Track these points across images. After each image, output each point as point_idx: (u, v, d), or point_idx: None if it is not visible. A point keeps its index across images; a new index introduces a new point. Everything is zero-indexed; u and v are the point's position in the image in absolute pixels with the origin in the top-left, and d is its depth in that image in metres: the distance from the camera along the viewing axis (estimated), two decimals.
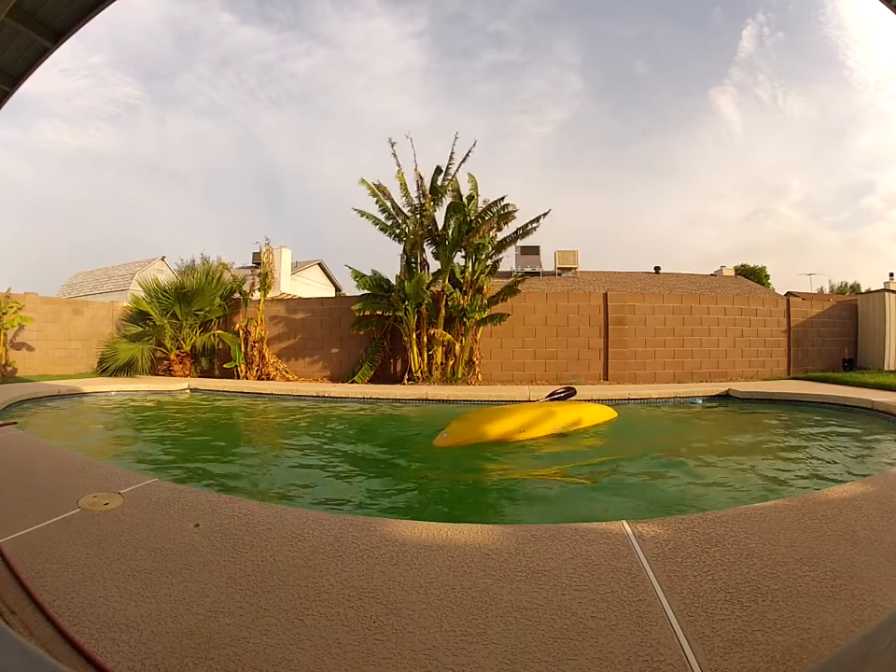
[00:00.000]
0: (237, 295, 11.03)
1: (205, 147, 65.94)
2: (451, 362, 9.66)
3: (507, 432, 4.68)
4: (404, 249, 9.95)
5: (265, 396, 8.18)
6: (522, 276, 10.27)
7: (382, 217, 9.89)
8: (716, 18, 49.80)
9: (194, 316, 10.76)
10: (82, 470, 2.88)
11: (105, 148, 57.78)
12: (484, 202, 9.76)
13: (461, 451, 4.38)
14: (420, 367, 9.61)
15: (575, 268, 20.59)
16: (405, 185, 9.70)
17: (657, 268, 22.34)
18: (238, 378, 10.36)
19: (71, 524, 2.05)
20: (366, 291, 10.20)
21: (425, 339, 9.66)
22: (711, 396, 7.78)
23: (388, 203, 9.84)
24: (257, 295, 10.80)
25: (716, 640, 1.26)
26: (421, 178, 9.80)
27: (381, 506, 3.22)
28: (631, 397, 7.55)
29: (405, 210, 9.84)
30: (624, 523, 2.03)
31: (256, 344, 10.45)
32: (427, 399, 7.52)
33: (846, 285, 37.67)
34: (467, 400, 7.34)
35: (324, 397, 7.91)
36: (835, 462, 4.06)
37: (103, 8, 3.06)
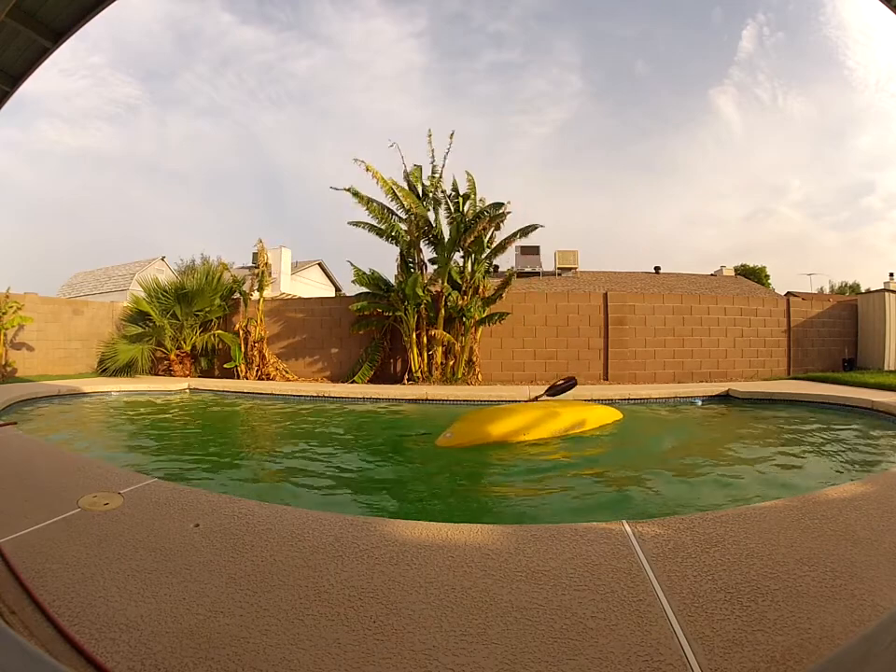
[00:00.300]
0: (237, 295, 11.03)
1: (205, 147, 66.01)
2: (451, 362, 9.66)
3: (511, 432, 4.63)
4: (400, 251, 9.94)
5: (265, 396, 8.18)
6: (511, 276, 10.14)
7: (375, 221, 9.76)
8: (716, 18, 49.83)
9: (194, 316, 10.76)
10: (82, 470, 2.88)
11: (105, 148, 57.83)
12: (481, 201, 9.74)
13: (463, 451, 4.38)
14: (420, 367, 9.61)
15: (575, 268, 20.59)
16: (392, 189, 9.55)
17: (657, 268, 22.34)
18: (238, 378, 10.36)
19: (71, 524, 2.05)
20: (366, 290, 10.20)
21: (425, 339, 9.66)
22: (711, 396, 7.77)
23: (378, 206, 9.72)
24: (256, 295, 10.80)
25: (716, 640, 1.26)
26: (412, 181, 9.78)
27: (381, 506, 3.22)
28: (631, 397, 7.54)
29: (399, 212, 9.81)
30: (624, 523, 2.03)
31: (256, 344, 10.45)
32: (427, 399, 7.52)
33: (846, 285, 37.70)
34: (467, 400, 7.34)
35: (324, 397, 7.90)
36: (835, 462, 4.06)
37: (103, 8, 3.07)
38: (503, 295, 9.79)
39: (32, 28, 3.05)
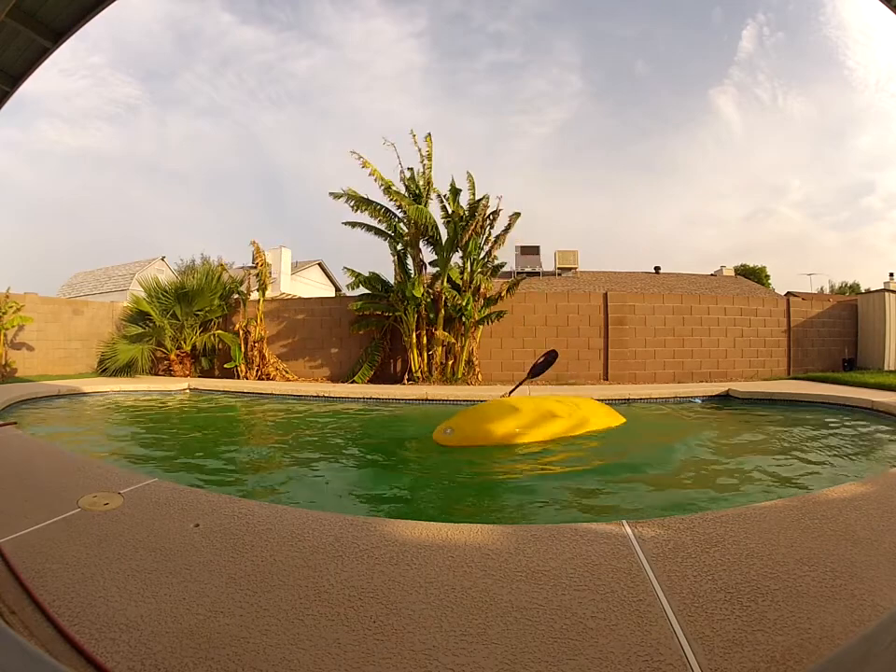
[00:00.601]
0: (236, 295, 11.03)
1: (205, 147, 66.09)
2: (451, 362, 9.66)
3: (513, 432, 4.51)
4: (397, 251, 9.93)
5: (265, 396, 8.18)
6: (520, 280, 10.18)
7: (374, 221, 9.77)
8: (716, 18, 49.86)
9: (194, 316, 10.77)
10: (82, 470, 2.88)
11: (105, 148, 57.89)
12: (471, 200, 9.72)
13: (462, 451, 4.37)
14: (420, 367, 9.61)
15: (575, 268, 20.60)
16: (389, 186, 9.54)
17: (657, 268, 22.35)
18: (238, 378, 10.36)
19: (71, 524, 2.05)
20: (365, 291, 10.20)
21: (424, 339, 9.66)
22: (711, 396, 7.77)
23: (376, 206, 9.72)
24: (256, 295, 10.81)
25: (716, 640, 1.26)
26: (408, 182, 9.79)
27: (381, 506, 3.22)
28: (631, 397, 7.54)
29: (397, 212, 9.82)
30: (624, 523, 2.03)
31: (256, 344, 10.46)
32: (427, 399, 7.52)
33: (846, 285, 37.70)
34: (467, 400, 7.34)
35: (324, 397, 7.90)
36: (835, 462, 4.06)
37: (103, 8, 3.07)
38: (503, 296, 9.79)
39: (32, 28, 3.05)
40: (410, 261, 10.03)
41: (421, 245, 9.89)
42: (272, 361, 10.51)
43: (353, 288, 10.23)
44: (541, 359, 5.46)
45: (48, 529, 1.99)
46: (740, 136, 57.22)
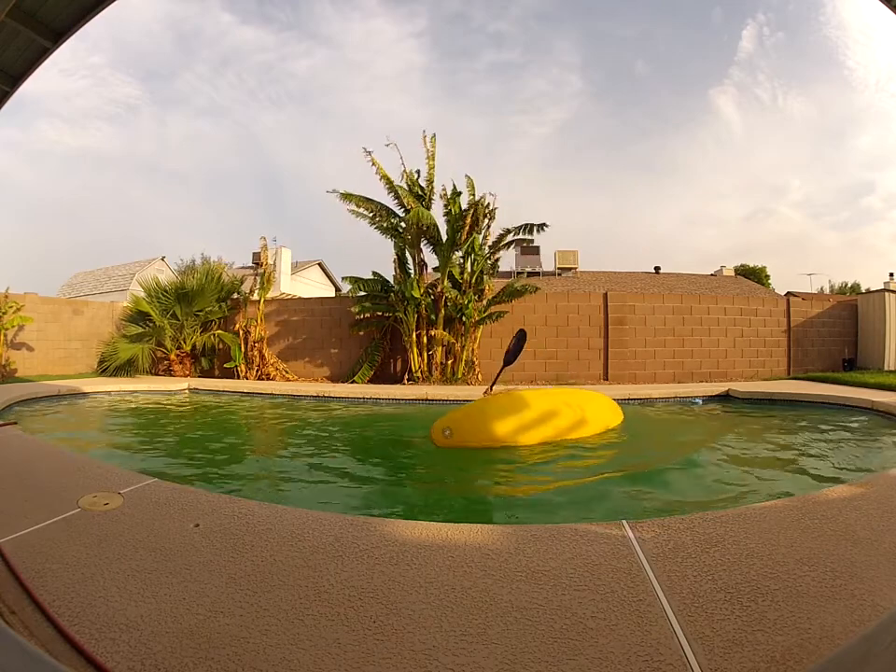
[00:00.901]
0: (237, 295, 11.04)
1: (205, 147, 66.12)
2: (451, 362, 9.66)
3: (515, 432, 4.37)
4: (397, 251, 9.94)
5: (265, 396, 8.18)
6: (526, 288, 10.12)
7: (377, 219, 9.84)
8: (716, 18, 49.88)
9: (194, 316, 10.76)
10: (82, 470, 2.88)
11: (105, 148, 57.92)
12: (470, 200, 9.73)
13: (461, 451, 4.36)
14: (420, 367, 9.61)
15: (575, 268, 20.61)
16: (393, 186, 9.60)
17: (657, 268, 22.36)
18: (238, 378, 10.37)
19: (71, 524, 2.05)
20: (365, 293, 10.20)
21: (424, 339, 9.66)
22: (711, 396, 7.77)
23: (377, 205, 9.76)
24: (256, 295, 10.82)
25: (716, 640, 1.26)
26: (409, 181, 9.81)
27: (381, 505, 3.22)
28: (631, 397, 7.54)
29: (398, 211, 9.83)
30: (624, 523, 2.03)
31: (256, 344, 10.46)
32: (426, 399, 7.52)
33: (846, 285, 37.70)
34: (467, 400, 7.32)
35: (324, 397, 7.90)
36: (835, 462, 4.06)
37: (103, 8, 3.07)
38: (511, 300, 9.80)
39: (32, 28, 3.05)
40: (410, 261, 10.04)
41: (422, 244, 9.91)
42: (272, 361, 10.51)
43: (354, 293, 10.25)
44: (512, 344, 5.16)
45: (48, 529, 1.99)
46: (740, 136, 57.28)
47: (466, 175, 9.90)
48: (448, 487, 3.75)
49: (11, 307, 9.47)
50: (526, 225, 9.57)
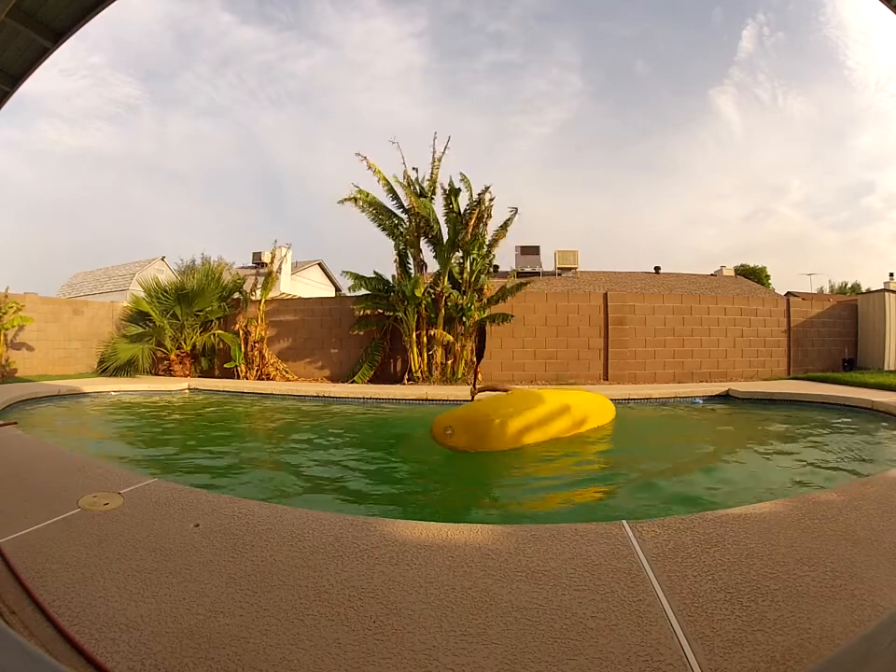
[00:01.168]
0: (237, 295, 11.04)
1: (205, 147, 66.14)
2: (451, 362, 9.66)
3: (517, 432, 4.26)
4: (398, 251, 9.95)
5: (265, 396, 8.18)
6: (526, 282, 10.19)
7: (380, 216, 9.87)
8: (716, 18, 49.90)
9: (194, 316, 10.77)
10: (82, 470, 2.88)
11: (105, 148, 57.93)
12: (470, 202, 9.73)
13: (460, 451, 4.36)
14: (420, 367, 9.61)
15: (575, 268, 20.60)
16: (392, 187, 9.62)
17: (657, 268, 22.36)
18: (238, 378, 10.37)
19: (71, 524, 2.05)
20: (366, 292, 10.20)
21: (425, 339, 9.66)
22: (711, 396, 7.77)
23: (379, 205, 9.77)
24: (257, 295, 10.82)
25: (716, 640, 1.26)
26: (410, 180, 9.81)
27: (380, 505, 3.22)
28: (631, 397, 7.54)
29: (398, 212, 9.83)
30: (624, 523, 2.03)
31: (256, 344, 10.46)
32: (427, 399, 7.52)
33: (846, 285, 37.69)
34: (467, 400, 7.33)
35: (324, 397, 7.90)
36: (835, 462, 4.06)
37: (103, 8, 3.07)
38: (507, 298, 9.79)
39: (32, 28, 3.05)
40: (411, 261, 10.05)
41: (422, 244, 9.91)
42: (272, 361, 10.51)
43: (355, 290, 10.25)
44: (477, 341, 5.16)
45: (48, 529, 1.99)
46: (740, 136, 57.29)
47: (461, 174, 9.91)
48: (448, 488, 3.75)
49: (11, 307, 9.47)
50: (510, 216, 9.69)
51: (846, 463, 4.04)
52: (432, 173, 9.82)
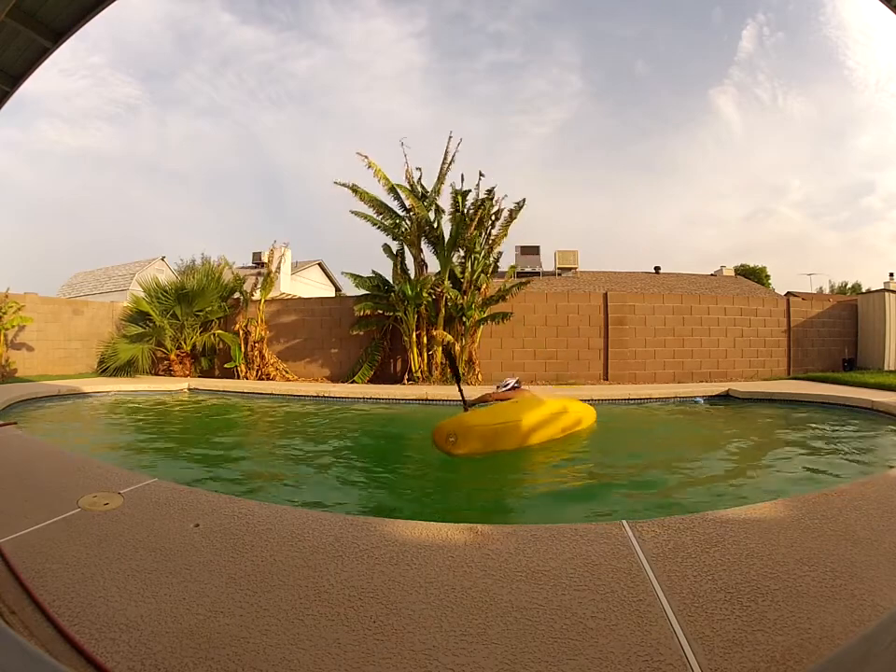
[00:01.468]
0: (237, 295, 11.04)
1: (205, 147, 66.14)
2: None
3: (519, 437, 4.26)
4: (397, 251, 9.94)
5: (265, 396, 8.18)
6: (526, 281, 10.20)
7: (378, 217, 9.86)
8: (716, 18, 49.91)
9: (194, 317, 10.76)
10: (82, 470, 2.87)
11: (105, 148, 57.93)
12: (475, 199, 9.71)
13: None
14: (420, 367, 9.61)
15: (575, 268, 20.60)
16: (393, 187, 9.61)
17: (657, 268, 22.35)
18: (238, 378, 10.36)
19: (71, 524, 2.05)
20: (366, 292, 10.20)
21: (425, 339, 9.66)
22: (711, 396, 7.77)
23: (379, 204, 9.76)
24: (257, 295, 10.82)
25: (716, 640, 1.26)
26: (413, 181, 9.81)
27: (380, 505, 3.22)
28: (631, 397, 7.54)
29: (399, 212, 9.82)
30: (624, 523, 2.03)
31: (256, 344, 10.46)
32: (427, 399, 7.52)
33: (846, 285, 37.65)
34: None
35: (324, 397, 7.90)
36: (835, 462, 4.06)
37: (103, 8, 3.07)
38: (507, 297, 9.78)
39: (32, 28, 3.05)
40: (411, 261, 10.05)
41: (423, 244, 9.90)
42: (272, 361, 10.50)
43: (357, 288, 10.25)
44: (448, 362, 5.09)
45: (48, 529, 1.99)
46: (740, 136, 57.28)
47: (461, 175, 9.89)
48: (449, 487, 3.75)
49: (11, 307, 9.46)
50: (518, 205, 9.67)
51: (845, 463, 4.04)
52: (441, 172, 9.76)
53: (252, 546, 1.85)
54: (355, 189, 9.53)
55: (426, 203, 9.65)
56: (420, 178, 9.89)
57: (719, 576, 1.59)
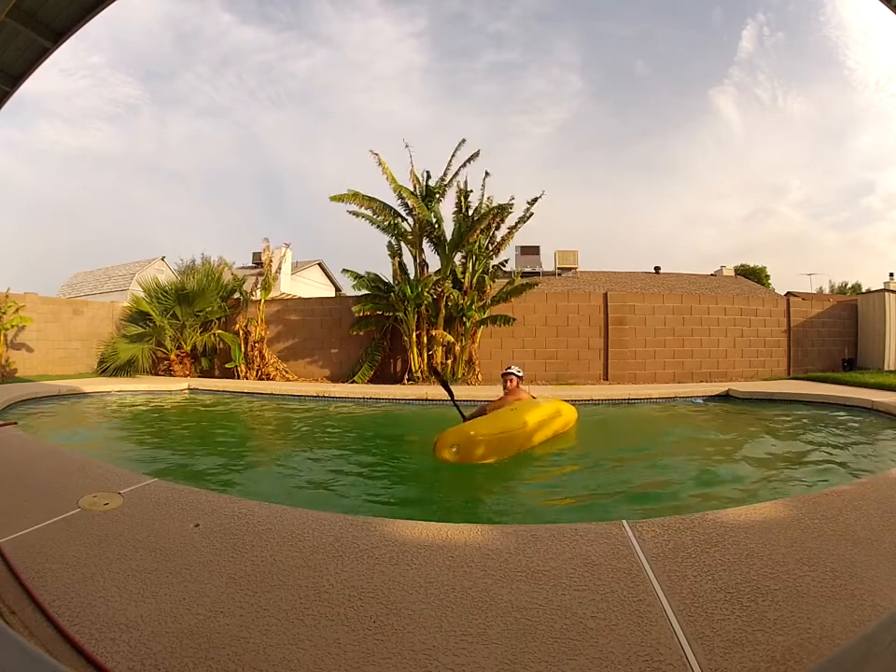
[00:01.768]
0: (237, 295, 11.04)
1: (205, 147, 66.19)
2: (450, 362, 9.65)
3: (520, 443, 4.23)
4: (396, 252, 9.94)
5: (265, 396, 8.18)
6: (533, 283, 10.14)
7: (378, 218, 9.85)
8: (716, 18, 49.92)
9: (195, 317, 10.76)
10: (82, 470, 2.87)
11: (105, 148, 57.98)
12: (488, 199, 9.69)
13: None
14: (420, 367, 9.61)
15: (575, 268, 20.61)
16: (399, 188, 9.63)
17: (657, 268, 22.35)
18: (238, 378, 10.36)
19: (71, 524, 2.05)
20: (366, 292, 10.20)
21: (425, 339, 9.66)
22: (711, 396, 7.77)
23: (380, 204, 9.77)
24: (257, 295, 10.82)
25: (716, 640, 1.26)
26: (417, 181, 9.81)
27: (380, 505, 3.22)
28: (631, 397, 7.54)
29: (402, 211, 9.83)
30: (624, 523, 2.03)
31: (256, 344, 10.45)
32: (426, 400, 7.52)
33: (846, 285, 37.64)
34: (467, 400, 7.31)
35: (324, 397, 7.90)
36: (835, 462, 4.06)
37: (103, 8, 3.07)
38: (509, 299, 9.77)
39: (32, 28, 3.05)
40: (411, 261, 10.05)
41: (424, 244, 9.90)
42: (272, 361, 10.50)
43: (358, 289, 10.25)
44: (440, 381, 5.24)
45: (48, 529, 1.99)
46: (740, 136, 57.34)
47: (486, 172, 9.88)
48: (448, 488, 3.75)
49: (11, 307, 9.46)
50: (526, 211, 9.64)
51: (845, 463, 4.04)
52: (455, 175, 9.78)
53: (252, 546, 1.85)
54: (354, 195, 9.52)
55: (429, 203, 9.65)
56: (428, 178, 9.90)
57: (719, 576, 1.59)
